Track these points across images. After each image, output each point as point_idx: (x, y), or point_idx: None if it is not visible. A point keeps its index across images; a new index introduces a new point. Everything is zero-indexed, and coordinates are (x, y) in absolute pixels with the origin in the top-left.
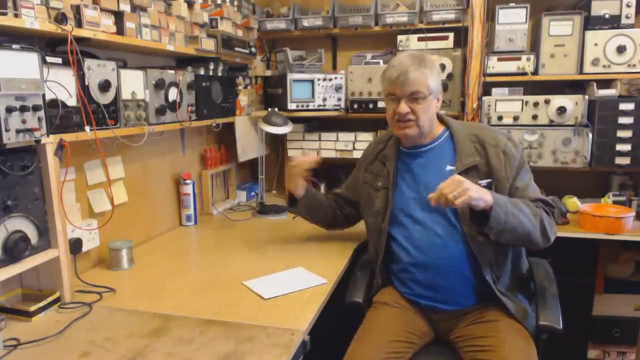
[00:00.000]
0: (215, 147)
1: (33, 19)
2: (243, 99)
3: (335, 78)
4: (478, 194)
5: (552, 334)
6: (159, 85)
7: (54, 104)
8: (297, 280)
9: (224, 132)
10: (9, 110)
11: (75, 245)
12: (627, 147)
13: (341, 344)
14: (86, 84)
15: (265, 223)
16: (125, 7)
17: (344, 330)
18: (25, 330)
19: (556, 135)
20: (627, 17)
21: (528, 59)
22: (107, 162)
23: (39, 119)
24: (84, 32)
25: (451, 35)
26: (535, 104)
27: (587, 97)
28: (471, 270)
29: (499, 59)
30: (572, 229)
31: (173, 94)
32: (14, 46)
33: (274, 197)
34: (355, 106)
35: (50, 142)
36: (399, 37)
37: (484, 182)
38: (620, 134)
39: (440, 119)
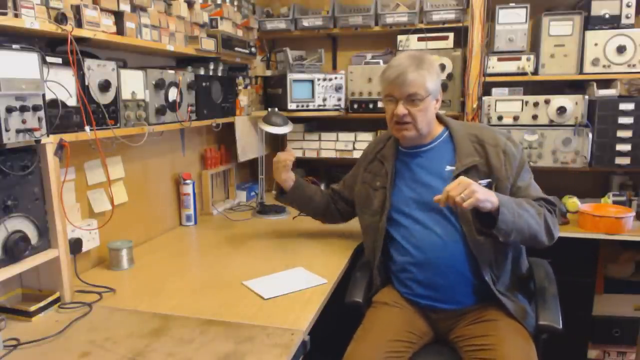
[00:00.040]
0: (215, 147)
1: (33, 19)
2: (243, 99)
3: (335, 78)
4: (485, 195)
5: (552, 333)
6: (159, 85)
7: (54, 104)
8: (297, 280)
9: (224, 132)
10: (9, 110)
11: (75, 245)
12: (627, 147)
13: (341, 344)
14: (86, 84)
15: (265, 223)
16: (125, 7)
17: (344, 330)
18: (25, 330)
19: (556, 135)
20: (627, 17)
21: (528, 59)
22: (107, 162)
23: (39, 119)
24: (84, 32)
25: (451, 35)
26: (535, 104)
27: (587, 97)
28: (471, 270)
29: (499, 59)
30: (572, 229)
31: (173, 94)
32: (14, 46)
33: (274, 197)
34: (355, 106)
35: (50, 142)
36: (399, 37)
37: (483, 181)
38: (620, 134)
39: (439, 119)
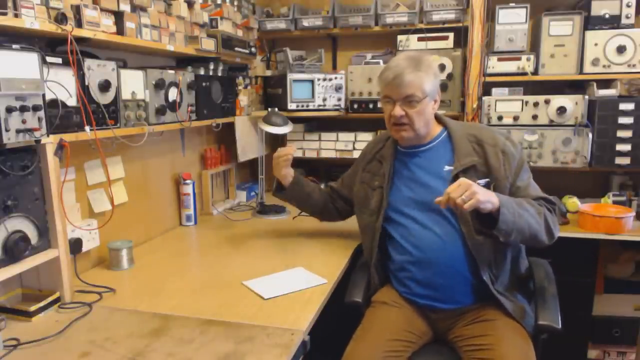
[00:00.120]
0: (215, 147)
1: (33, 19)
2: (243, 99)
3: (335, 78)
4: (486, 196)
5: (551, 333)
6: (159, 85)
7: (54, 104)
8: (297, 280)
9: (224, 132)
10: (9, 110)
11: (75, 245)
12: (627, 147)
13: (341, 344)
14: (86, 84)
15: (265, 223)
16: (125, 7)
17: (344, 330)
18: (25, 330)
19: (556, 135)
20: (627, 17)
21: (528, 59)
22: (107, 162)
23: (39, 119)
24: (84, 32)
25: (451, 35)
26: (535, 104)
27: (587, 97)
28: (469, 269)
29: (499, 59)
30: (572, 229)
31: (173, 94)
32: (14, 46)
33: (274, 197)
34: (355, 106)
35: (50, 142)
36: (399, 37)
37: (482, 181)
38: (620, 134)
39: (438, 119)
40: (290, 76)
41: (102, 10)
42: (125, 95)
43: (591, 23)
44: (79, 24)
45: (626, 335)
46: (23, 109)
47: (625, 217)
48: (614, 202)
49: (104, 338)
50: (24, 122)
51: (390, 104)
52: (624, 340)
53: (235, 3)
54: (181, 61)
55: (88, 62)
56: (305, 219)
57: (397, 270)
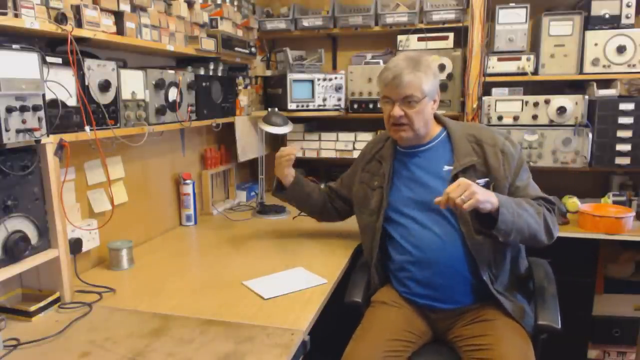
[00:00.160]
0: (215, 147)
1: (33, 19)
2: (243, 99)
3: (335, 78)
4: (485, 196)
5: (550, 333)
6: (159, 85)
7: (54, 104)
8: (297, 280)
9: (224, 132)
10: (9, 110)
11: (75, 245)
12: (627, 147)
13: (341, 344)
14: (86, 84)
15: (265, 223)
16: (125, 7)
17: (344, 330)
18: (25, 330)
19: (556, 135)
20: (627, 17)
21: (528, 59)
22: (107, 162)
23: (39, 119)
24: (84, 32)
25: (451, 35)
26: (535, 104)
27: (587, 97)
28: (469, 269)
29: (499, 59)
30: (572, 229)
31: (173, 94)
32: (14, 46)
33: (274, 197)
34: (355, 106)
35: (50, 142)
36: (399, 37)
37: (481, 181)
38: (620, 134)
39: (437, 119)
40: (290, 76)
41: (102, 10)
42: (125, 95)
43: (591, 23)
44: (79, 24)
45: (626, 335)
46: (23, 109)
47: (625, 217)
48: (614, 202)
49: (104, 338)
50: (24, 122)
51: (390, 104)
52: (624, 340)
53: (235, 3)
54: (181, 61)
55: (88, 62)
56: (305, 219)
57: (397, 270)
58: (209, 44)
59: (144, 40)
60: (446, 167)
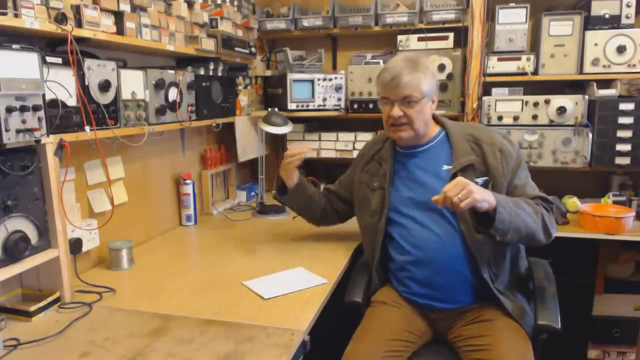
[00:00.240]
0: (215, 147)
1: (33, 19)
2: (243, 99)
3: (335, 78)
4: (482, 195)
5: (550, 333)
6: (159, 85)
7: (54, 104)
8: (297, 280)
9: (224, 132)
10: (9, 110)
11: (75, 245)
12: (627, 147)
13: (341, 344)
14: (86, 84)
15: (265, 223)
16: (125, 7)
17: (344, 330)
18: (25, 330)
19: (556, 135)
20: (627, 17)
21: (528, 59)
22: (107, 162)
23: (39, 119)
24: (84, 32)
25: (451, 35)
26: (535, 104)
27: (587, 97)
28: (469, 268)
29: (499, 59)
30: (572, 229)
31: (173, 94)
32: (14, 46)
33: (274, 197)
34: (355, 106)
35: (50, 142)
36: (399, 37)
37: (480, 180)
38: (620, 134)
39: (436, 119)
40: (290, 76)
41: (102, 10)
42: (125, 95)
43: (591, 23)
44: (79, 24)
45: (626, 335)
46: (23, 109)
47: (625, 217)
48: (614, 202)
49: (104, 338)
50: (24, 122)
51: (389, 104)
52: (624, 340)
53: (235, 3)
54: (181, 61)
55: (88, 62)
56: None
57: (397, 270)
58: (209, 44)
59: (144, 40)
60: (445, 167)
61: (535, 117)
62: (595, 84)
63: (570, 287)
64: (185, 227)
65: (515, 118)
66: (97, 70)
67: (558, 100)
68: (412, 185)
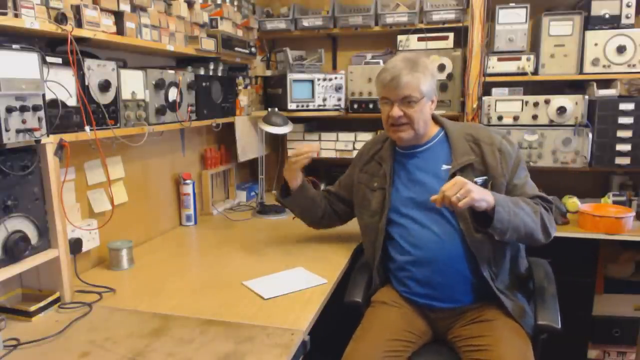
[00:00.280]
0: (215, 147)
1: (33, 19)
2: (243, 99)
3: (335, 78)
4: (480, 195)
5: (550, 333)
6: (159, 85)
7: (54, 104)
8: (297, 280)
9: (224, 132)
10: (9, 110)
11: (75, 245)
12: (627, 147)
13: (341, 344)
14: (86, 84)
15: (265, 223)
16: (125, 7)
17: (344, 330)
18: (25, 330)
19: (556, 135)
20: (627, 17)
21: (528, 59)
22: (107, 162)
23: (39, 119)
24: (84, 32)
25: (451, 35)
26: (535, 104)
27: (587, 97)
28: (469, 267)
29: (499, 59)
30: (572, 229)
31: (173, 94)
32: (14, 46)
33: (274, 197)
34: (355, 106)
35: (50, 142)
36: (399, 37)
37: (479, 179)
38: (620, 134)
39: (435, 119)
40: (290, 76)
41: (102, 10)
42: (125, 95)
43: (591, 23)
44: (79, 24)
45: (626, 335)
46: (23, 109)
47: (625, 217)
48: (614, 202)
49: (104, 338)
50: (24, 122)
51: (388, 105)
52: (624, 340)
53: (235, 3)
54: (181, 61)
55: (88, 62)
56: None
57: (397, 270)
58: (209, 44)
59: (144, 40)
60: (444, 167)
61: (535, 117)
62: (595, 84)
63: (570, 287)
64: (185, 227)
65: (515, 118)
66: (97, 70)
67: (558, 100)
68: (411, 185)
